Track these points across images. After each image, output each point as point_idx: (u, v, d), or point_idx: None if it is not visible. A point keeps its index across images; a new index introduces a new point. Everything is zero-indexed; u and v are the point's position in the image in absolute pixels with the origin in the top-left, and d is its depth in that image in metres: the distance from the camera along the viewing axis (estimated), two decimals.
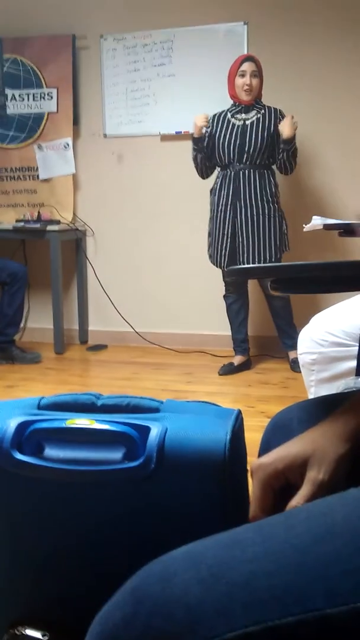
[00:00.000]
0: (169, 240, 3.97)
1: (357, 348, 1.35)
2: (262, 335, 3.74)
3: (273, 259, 3.21)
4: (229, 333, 3.51)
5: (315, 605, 0.44)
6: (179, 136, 3.85)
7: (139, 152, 3.95)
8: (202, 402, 0.90)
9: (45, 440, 0.83)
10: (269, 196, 3.20)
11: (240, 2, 3.65)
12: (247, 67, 3.17)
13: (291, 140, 3.12)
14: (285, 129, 3.12)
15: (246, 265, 0.99)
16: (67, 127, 4.00)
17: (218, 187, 3.29)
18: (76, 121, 4.02)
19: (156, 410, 0.87)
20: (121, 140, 3.97)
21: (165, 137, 3.89)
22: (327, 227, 1.41)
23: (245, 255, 3.21)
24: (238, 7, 3.65)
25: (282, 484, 0.66)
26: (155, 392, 3.04)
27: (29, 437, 0.82)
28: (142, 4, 3.80)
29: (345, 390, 1.10)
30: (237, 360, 3.43)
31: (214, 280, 3.60)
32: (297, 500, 0.63)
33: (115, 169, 4.02)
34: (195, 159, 3.34)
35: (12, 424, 0.82)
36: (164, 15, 3.76)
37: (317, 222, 1.59)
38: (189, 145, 3.39)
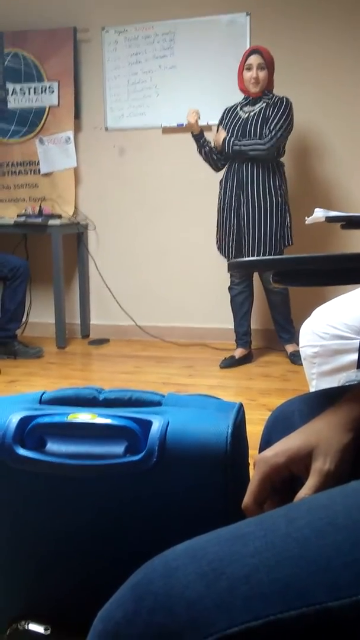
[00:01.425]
0: (170, 233, 3.96)
1: (358, 341, 1.34)
2: (264, 329, 3.74)
3: (275, 252, 3.21)
4: (231, 326, 3.50)
5: (316, 598, 0.44)
6: (180, 129, 3.84)
7: (141, 145, 3.93)
8: (204, 395, 0.90)
9: (47, 435, 0.83)
10: (273, 188, 3.19)
11: None
12: (253, 60, 3.16)
13: (218, 149, 3.17)
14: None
15: (247, 259, 0.99)
16: (69, 121, 3.99)
17: (224, 179, 3.30)
18: (77, 114, 4.01)
19: (158, 403, 0.87)
20: (123, 133, 3.96)
21: (167, 130, 3.87)
22: (329, 219, 1.41)
23: (249, 246, 3.21)
24: None
25: (284, 477, 0.66)
26: (157, 385, 3.04)
27: (31, 431, 0.82)
28: None
29: (347, 384, 1.10)
30: (239, 353, 3.44)
31: (215, 274, 3.60)
32: (305, 491, 0.62)
33: (116, 162, 4.01)
34: (201, 154, 3.33)
35: (14, 419, 0.82)
36: (166, 6, 3.74)
37: (319, 214, 1.59)
38: (191, 137, 3.37)
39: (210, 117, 3.73)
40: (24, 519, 0.86)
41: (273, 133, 3.12)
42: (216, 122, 3.41)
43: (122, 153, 3.99)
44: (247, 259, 0.97)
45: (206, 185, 3.54)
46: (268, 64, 3.17)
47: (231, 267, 0.82)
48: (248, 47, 3.54)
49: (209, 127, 3.73)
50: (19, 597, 0.90)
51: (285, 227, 3.24)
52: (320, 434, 0.66)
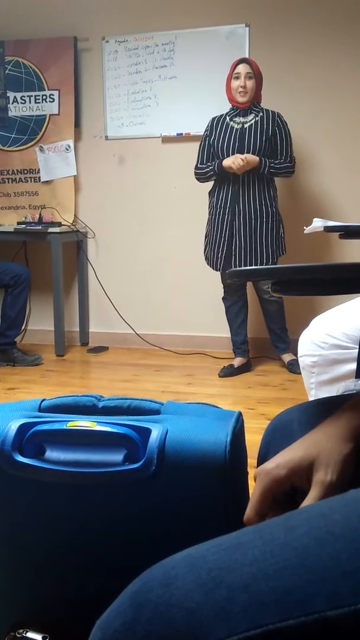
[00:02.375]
0: (169, 242, 3.97)
1: (357, 350, 1.35)
2: (262, 337, 3.74)
3: (269, 262, 3.23)
4: (229, 335, 3.51)
5: (315, 607, 0.44)
6: (180, 138, 3.86)
7: (140, 154, 3.95)
8: (203, 403, 0.90)
9: (46, 443, 0.83)
10: (268, 200, 3.21)
11: (242, 4, 3.66)
12: (241, 69, 3.18)
13: (259, 168, 3.15)
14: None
15: (247, 267, 0.99)
16: (69, 129, 4.01)
17: (217, 189, 3.30)
18: (78, 123, 4.03)
19: (157, 412, 0.87)
20: (122, 142, 3.98)
21: (166, 139, 3.89)
22: (327, 229, 1.41)
23: (241, 258, 3.23)
24: (239, 9, 3.66)
25: (285, 489, 0.66)
26: (156, 394, 3.04)
27: (30, 439, 0.82)
28: (144, 6, 3.81)
29: (346, 393, 1.10)
30: (237, 362, 3.44)
31: (214, 282, 3.60)
32: (307, 503, 0.62)
33: (116, 171, 4.02)
34: (198, 179, 3.37)
35: (13, 426, 0.82)
36: (166, 17, 3.77)
37: (317, 224, 1.59)
38: (190, 147, 3.40)
39: None
40: (22, 526, 0.86)
41: (291, 157, 3.22)
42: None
43: (121, 162, 4.01)
44: (246, 267, 0.98)
45: (205, 194, 3.55)
46: (256, 75, 3.19)
47: (230, 276, 0.82)
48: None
49: None
50: (17, 605, 0.89)
51: (279, 238, 3.26)
52: (320, 445, 0.66)
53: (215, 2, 3.69)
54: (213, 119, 3.34)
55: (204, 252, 3.40)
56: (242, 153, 3.17)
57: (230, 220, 3.24)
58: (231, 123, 3.26)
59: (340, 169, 3.64)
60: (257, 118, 3.20)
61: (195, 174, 3.37)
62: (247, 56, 3.27)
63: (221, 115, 3.32)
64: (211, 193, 3.35)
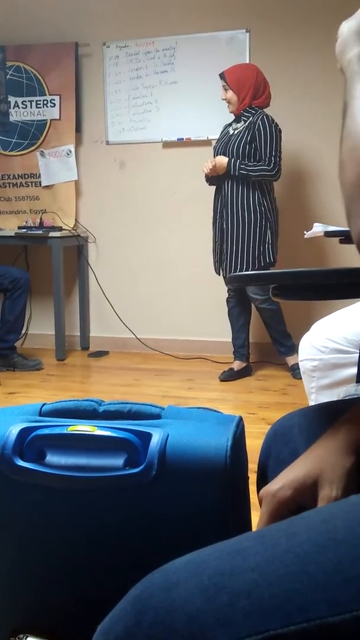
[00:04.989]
0: (170, 246, 3.97)
1: (357, 355, 1.35)
2: (263, 342, 3.74)
3: (254, 267, 3.22)
4: (230, 339, 3.51)
5: (317, 613, 0.43)
6: (180, 143, 3.87)
7: (141, 158, 3.96)
8: (203, 408, 0.90)
9: (47, 447, 0.83)
10: (252, 205, 3.20)
11: (243, 9, 3.67)
12: (221, 83, 3.26)
13: (229, 170, 3.15)
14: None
15: (245, 273, 0.99)
16: (70, 134, 4.02)
17: (214, 195, 3.35)
18: (79, 128, 4.04)
19: (157, 416, 0.87)
20: (123, 147, 3.99)
21: (167, 144, 3.90)
22: (327, 234, 1.42)
23: (230, 262, 3.25)
24: (240, 14, 3.67)
25: (293, 510, 0.65)
26: (157, 398, 3.04)
27: (31, 443, 0.82)
28: (145, 11, 3.82)
29: (346, 397, 1.10)
30: (237, 365, 3.44)
31: (214, 287, 3.61)
32: None
33: (117, 176, 4.03)
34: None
35: (14, 431, 0.82)
36: (166, 22, 3.78)
37: (318, 229, 1.60)
38: (190, 152, 3.41)
39: (210, 132, 3.77)
40: (23, 530, 0.86)
41: (273, 159, 3.15)
42: (216, 137, 3.44)
43: (122, 167, 4.02)
44: (245, 272, 0.98)
45: (205, 199, 3.56)
46: (231, 85, 3.20)
47: (229, 281, 0.83)
48: (247, 62, 3.59)
49: (209, 142, 3.77)
50: (18, 610, 0.89)
51: (265, 244, 3.23)
52: (322, 461, 0.66)
53: (216, 8, 3.71)
54: (224, 125, 3.40)
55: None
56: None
57: (220, 225, 3.28)
58: (229, 129, 3.32)
59: None
60: (245, 124, 3.23)
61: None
62: (222, 70, 3.26)
63: (230, 122, 3.36)
64: (213, 199, 3.38)
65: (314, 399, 1.48)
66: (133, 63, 3.89)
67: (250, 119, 3.21)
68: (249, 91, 3.21)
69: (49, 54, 3.97)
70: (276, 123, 3.20)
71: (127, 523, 0.81)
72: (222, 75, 3.26)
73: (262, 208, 3.23)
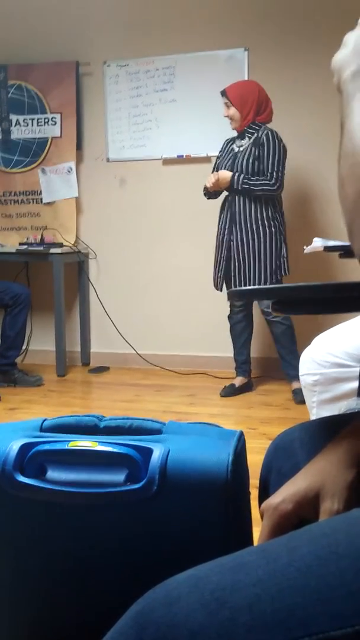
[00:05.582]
0: (170, 263, 3.99)
1: (358, 369, 1.35)
2: (264, 357, 3.74)
3: (267, 283, 3.22)
4: (231, 355, 3.50)
5: (319, 628, 0.43)
6: (180, 160, 3.90)
7: (141, 175, 3.99)
8: (205, 423, 0.90)
9: (47, 462, 0.82)
10: (266, 219, 3.21)
11: (241, 28, 3.72)
12: (223, 100, 3.27)
13: (232, 184, 3.16)
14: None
15: (247, 287, 1.00)
16: (71, 152, 4.05)
17: (221, 211, 3.34)
18: (79, 146, 4.07)
19: (158, 432, 0.87)
20: (124, 164, 4.02)
21: (167, 161, 3.93)
22: (327, 249, 1.43)
23: (240, 278, 3.23)
24: (239, 33, 3.72)
25: (294, 524, 0.64)
26: (158, 413, 3.03)
27: (32, 459, 0.82)
28: (145, 31, 3.87)
29: (347, 412, 1.10)
30: (238, 381, 3.43)
31: (215, 303, 3.61)
32: None
33: (117, 193, 4.06)
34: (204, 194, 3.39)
35: (15, 446, 0.82)
36: (166, 42, 3.83)
37: (317, 243, 1.61)
38: (190, 168, 3.43)
39: (209, 149, 3.80)
40: (24, 546, 0.85)
41: (275, 174, 3.15)
42: (215, 153, 3.47)
43: (122, 183, 4.04)
44: (247, 287, 0.98)
45: (205, 215, 3.58)
46: (233, 102, 3.21)
47: (231, 296, 0.83)
48: (247, 79, 3.62)
49: (208, 159, 3.80)
50: (20, 626, 0.89)
51: (281, 258, 3.24)
52: (324, 474, 0.66)
53: (214, 27, 3.75)
54: (225, 140, 3.39)
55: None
56: None
57: (228, 241, 3.26)
58: (232, 146, 3.33)
59: None
60: (250, 141, 3.24)
61: (203, 193, 3.39)
62: (225, 87, 3.28)
63: (232, 138, 3.36)
64: (219, 215, 3.36)
65: (315, 414, 1.48)
66: (133, 82, 3.93)
67: (255, 134, 3.22)
68: (252, 107, 3.23)
69: (50, 73, 4.02)
70: (280, 138, 3.21)
71: (128, 538, 0.81)
72: (223, 93, 3.27)
73: (276, 222, 3.23)
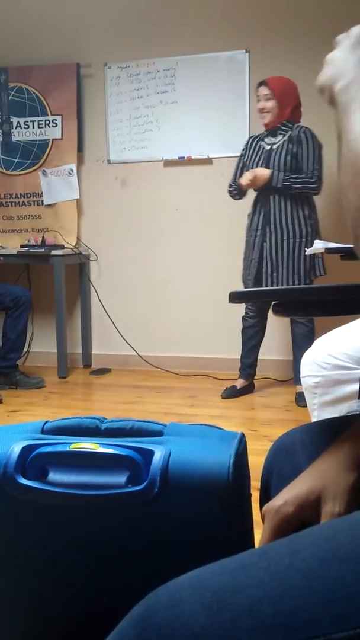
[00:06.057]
0: (171, 264, 3.99)
1: (359, 371, 1.35)
2: (266, 359, 3.74)
3: (305, 283, 3.15)
4: (233, 356, 3.50)
5: (321, 630, 0.43)
6: (181, 161, 3.90)
7: (143, 177, 3.99)
8: (206, 425, 0.90)
9: (49, 465, 0.83)
10: (302, 219, 3.15)
11: (242, 30, 3.72)
12: (260, 91, 3.18)
13: (272, 182, 3.09)
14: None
15: (247, 289, 1.00)
16: (72, 154, 4.06)
17: (252, 211, 3.27)
18: (80, 147, 4.08)
19: (160, 433, 0.87)
20: (125, 166, 4.02)
21: (168, 163, 3.94)
22: (328, 250, 1.43)
23: (272, 279, 3.16)
24: (240, 35, 3.72)
25: (296, 527, 0.65)
26: (159, 415, 3.03)
27: (33, 461, 0.82)
28: (146, 32, 3.88)
29: (349, 414, 1.10)
30: (240, 383, 3.42)
31: (216, 304, 3.61)
32: None
33: (118, 194, 4.06)
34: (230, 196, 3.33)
35: (16, 449, 0.82)
36: (167, 43, 3.84)
37: (319, 245, 1.61)
38: (191, 170, 3.43)
39: (211, 151, 3.80)
40: (25, 549, 0.85)
41: (316, 172, 3.11)
42: (217, 155, 3.47)
43: (123, 185, 4.05)
44: (247, 289, 0.98)
45: (206, 216, 3.59)
46: (276, 95, 3.14)
47: (232, 298, 0.83)
48: (247, 83, 3.63)
49: (209, 160, 3.80)
50: (21, 626, 0.89)
51: (315, 258, 3.18)
52: (325, 477, 0.66)
53: (215, 29, 3.76)
54: (250, 137, 3.34)
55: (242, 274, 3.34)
56: None
57: (261, 242, 3.19)
58: (261, 143, 3.25)
59: None
60: (285, 138, 3.17)
61: (228, 191, 3.33)
62: (266, 78, 3.20)
63: (258, 135, 3.30)
64: (249, 215, 3.30)
65: (317, 416, 1.48)
66: (134, 83, 3.94)
67: (290, 132, 3.16)
68: (291, 104, 3.18)
69: (50, 75, 4.02)
70: (314, 135, 3.16)
71: (129, 540, 0.81)
72: (264, 83, 3.16)
73: (312, 221, 3.18)
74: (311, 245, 3.10)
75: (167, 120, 3.90)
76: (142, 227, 4.03)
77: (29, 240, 4.03)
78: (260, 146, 3.25)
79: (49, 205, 4.14)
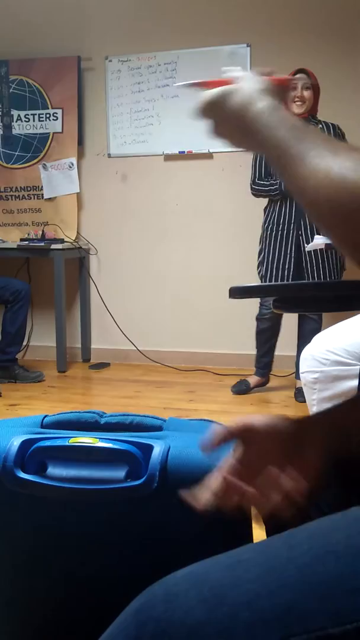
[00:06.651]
0: (171, 258, 3.99)
1: (358, 367, 1.35)
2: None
3: (336, 277, 3.12)
4: (232, 351, 3.49)
5: (317, 624, 0.44)
6: (182, 156, 3.89)
7: (143, 171, 3.98)
8: (205, 420, 0.90)
9: (48, 459, 0.83)
10: None
11: (243, 24, 3.71)
12: (300, 79, 3.09)
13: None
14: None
15: (248, 284, 1.00)
16: (72, 147, 4.05)
17: (278, 205, 3.16)
18: (81, 141, 4.06)
19: (159, 428, 0.87)
20: (125, 160, 4.01)
21: (168, 157, 3.93)
22: (328, 246, 1.43)
23: (312, 272, 3.10)
24: (241, 29, 3.70)
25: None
26: (158, 410, 3.03)
27: (32, 455, 0.82)
28: (147, 26, 3.86)
29: None
30: (255, 381, 3.33)
31: (216, 299, 3.61)
32: None
33: (119, 189, 4.05)
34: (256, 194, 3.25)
35: (15, 443, 0.83)
36: (168, 37, 3.82)
37: (319, 241, 1.61)
38: (192, 164, 3.41)
39: (211, 145, 3.79)
40: (23, 542, 0.86)
41: None
42: (218, 150, 3.46)
43: (124, 179, 4.04)
44: (248, 284, 0.98)
45: (207, 211, 3.58)
46: (314, 86, 3.11)
47: (232, 293, 0.83)
48: None
49: (210, 155, 3.79)
50: (20, 621, 0.89)
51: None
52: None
53: (217, 23, 3.74)
54: None
55: (259, 270, 3.24)
56: None
57: (297, 235, 3.11)
58: None
59: None
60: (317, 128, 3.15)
61: (253, 188, 3.21)
62: (304, 67, 3.15)
63: None
64: (268, 210, 3.22)
65: (315, 411, 1.48)
66: (135, 77, 3.92)
67: (320, 126, 3.11)
68: (318, 97, 3.16)
69: (51, 68, 4.01)
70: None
71: (128, 534, 0.81)
72: (304, 71, 3.09)
73: None
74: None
75: (167, 115, 3.88)
76: (142, 221, 4.02)
77: (28, 234, 4.02)
78: None
79: (49, 199, 4.13)
